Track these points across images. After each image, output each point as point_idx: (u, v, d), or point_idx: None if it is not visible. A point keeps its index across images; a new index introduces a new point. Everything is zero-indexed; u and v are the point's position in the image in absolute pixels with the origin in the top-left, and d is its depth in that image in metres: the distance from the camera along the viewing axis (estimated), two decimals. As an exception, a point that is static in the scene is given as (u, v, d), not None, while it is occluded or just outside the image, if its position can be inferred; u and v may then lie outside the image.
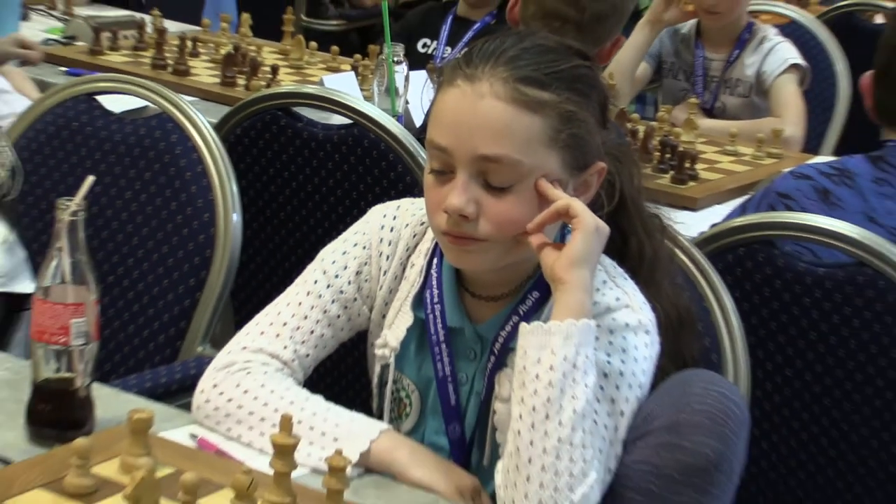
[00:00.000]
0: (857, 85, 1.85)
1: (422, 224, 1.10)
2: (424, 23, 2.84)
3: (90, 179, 0.95)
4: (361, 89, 2.22)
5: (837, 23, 2.85)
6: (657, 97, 2.83)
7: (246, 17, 2.83)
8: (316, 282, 1.11)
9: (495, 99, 0.95)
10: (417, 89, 2.10)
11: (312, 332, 1.11)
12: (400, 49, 2.10)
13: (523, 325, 0.94)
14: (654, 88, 2.83)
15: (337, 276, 1.11)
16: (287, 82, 2.44)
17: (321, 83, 2.20)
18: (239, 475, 0.78)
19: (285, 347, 1.09)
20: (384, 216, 1.13)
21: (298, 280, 1.14)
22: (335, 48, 2.79)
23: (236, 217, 1.54)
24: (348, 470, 0.87)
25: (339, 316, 1.11)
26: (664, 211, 1.16)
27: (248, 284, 1.68)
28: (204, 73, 2.52)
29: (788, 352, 1.42)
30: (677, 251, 1.21)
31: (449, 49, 2.74)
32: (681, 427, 0.93)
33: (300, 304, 1.11)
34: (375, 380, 1.14)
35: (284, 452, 0.83)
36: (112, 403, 1.10)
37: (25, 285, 1.42)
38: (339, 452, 0.82)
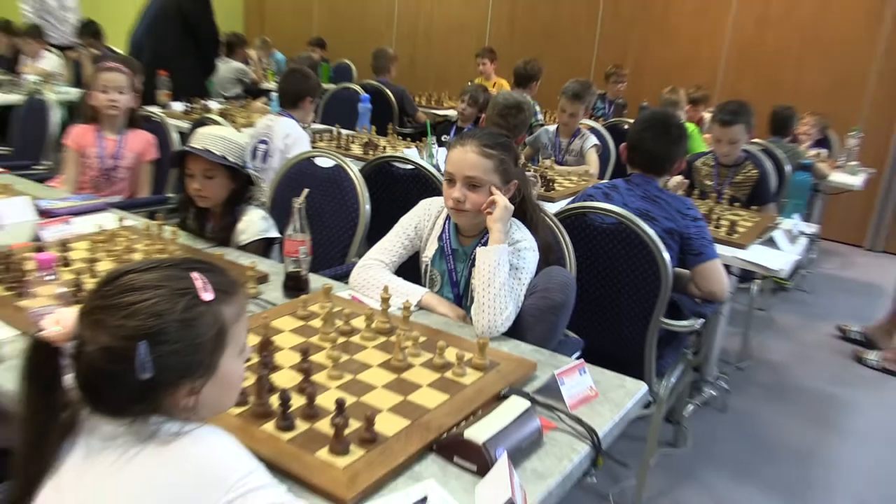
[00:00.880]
0: (618, 151, 3.47)
1: (441, 205, 2.18)
2: (445, 130, 4.81)
3: (306, 190, 2.05)
4: (420, 156, 3.67)
5: (610, 128, 5.19)
6: (538, 158, 4.71)
7: (373, 127, 4.76)
8: (397, 230, 2.19)
9: (472, 153, 1.98)
10: (441, 156, 3.70)
11: (397, 250, 2.17)
12: (433, 139, 3.78)
13: (478, 248, 1.96)
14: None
15: (406, 227, 2.19)
16: (389, 152, 4.06)
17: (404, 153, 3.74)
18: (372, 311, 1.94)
19: (385, 257, 2.17)
20: (429, 202, 2.19)
21: (390, 231, 2.20)
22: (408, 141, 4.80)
23: (368, 206, 2.74)
24: (412, 307, 2.01)
25: (407, 243, 2.20)
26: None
27: (371, 234, 2.84)
28: (359, 151, 4.19)
29: (592, 262, 2.55)
30: (546, 217, 2.29)
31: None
32: (548, 289, 1.95)
33: (391, 239, 2.17)
34: (422, 271, 2.19)
35: (385, 300, 1.92)
36: (317, 281, 2.18)
37: (273, 233, 2.46)
38: (407, 301, 1.96)
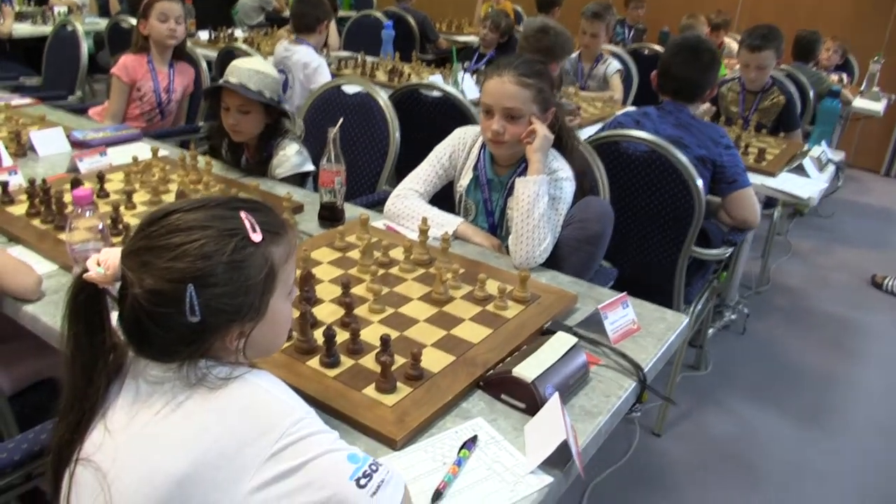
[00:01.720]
0: (647, 77, 3.16)
1: (476, 134, 2.03)
2: (468, 57, 4.56)
3: (341, 119, 1.92)
4: (445, 83, 3.47)
5: (631, 53, 4.82)
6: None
7: (398, 54, 4.53)
8: (431, 160, 2.05)
9: (510, 83, 1.82)
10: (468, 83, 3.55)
11: (431, 179, 2.04)
12: (459, 66, 3.48)
13: (517, 179, 1.83)
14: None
15: (441, 156, 2.06)
16: (415, 79, 3.83)
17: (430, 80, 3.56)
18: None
19: (419, 186, 2.03)
20: (463, 130, 2.05)
21: (424, 161, 2.06)
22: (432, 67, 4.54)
23: (398, 134, 2.61)
24: (449, 237, 1.90)
25: (442, 172, 2.06)
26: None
27: (399, 162, 2.71)
28: (384, 78, 3.98)
29: (624, 190, 2.41)
30: (580, 145, 2.14)
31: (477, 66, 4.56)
32: (585, 219, 1.85)
33: (426, 168, 2.04)
34: (457, 200, 2.08)
35: (424, 231, 1.80)
36: (352, 210, 2.06)
37: (308, 167, 2.32)
38: (446, 233, 1.85)
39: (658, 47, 5.01)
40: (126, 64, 3.07)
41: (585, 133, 3.01)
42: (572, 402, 1.27)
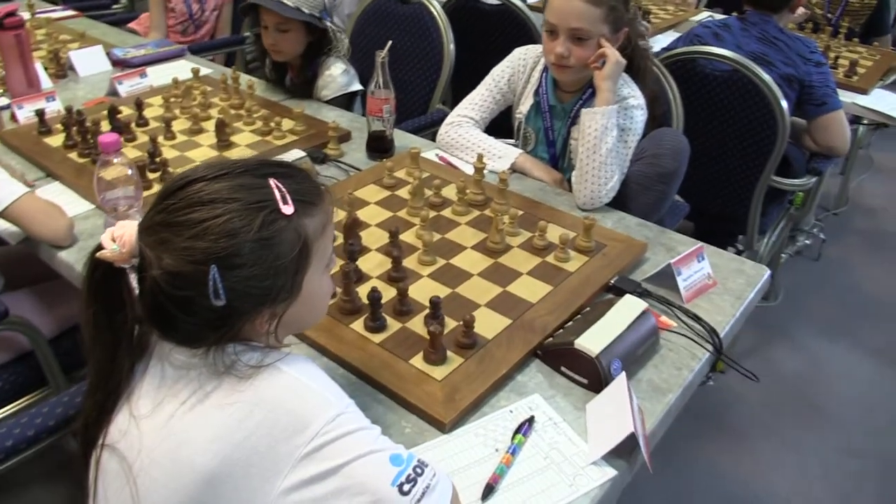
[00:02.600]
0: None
1: (538, 55, 1.81)
2: None
3: (390, 42, 1.73)
4: None
5: None
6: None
7: None
8: (488, 83, 1.86)
9: (578, 0, 1.61)
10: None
11: (488, 105, 1.86)
12: None
13: (583, 110, 1.63)
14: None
15: (498, 79, 1.86)
16: None
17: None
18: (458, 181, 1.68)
19: (475, 113, 1.85)
20: (523, 51, 1.84)
21: (480, 84, 1.87)
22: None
23: (452, 47, 2.39)
24: (508, 176, 1.73)
25: (499, 97, 1.87)
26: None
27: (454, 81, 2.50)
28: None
29: (700, 113, 2.19)
30: (651, 64, 1.89)
31: None
32: (658, 154, 1.65)
33: (482, 93, 1.86)
34: (515, 128, 1.89)
35: (479, 170, 1.59)
36: (402, 139, 1.91)
37: (355, 87, 2.15)
38: (504, 172, 1.66)
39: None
40: None
41: (656, 44, 2.74)
42: (639, 376, 1.15)
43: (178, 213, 0.79)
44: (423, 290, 1.25)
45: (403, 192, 1.60)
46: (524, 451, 0.99)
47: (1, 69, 2.02)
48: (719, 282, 1.40)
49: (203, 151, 1.76)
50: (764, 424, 2.27)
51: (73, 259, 1.37)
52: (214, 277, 0.77)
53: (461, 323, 1.14)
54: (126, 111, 1.90)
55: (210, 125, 1.85)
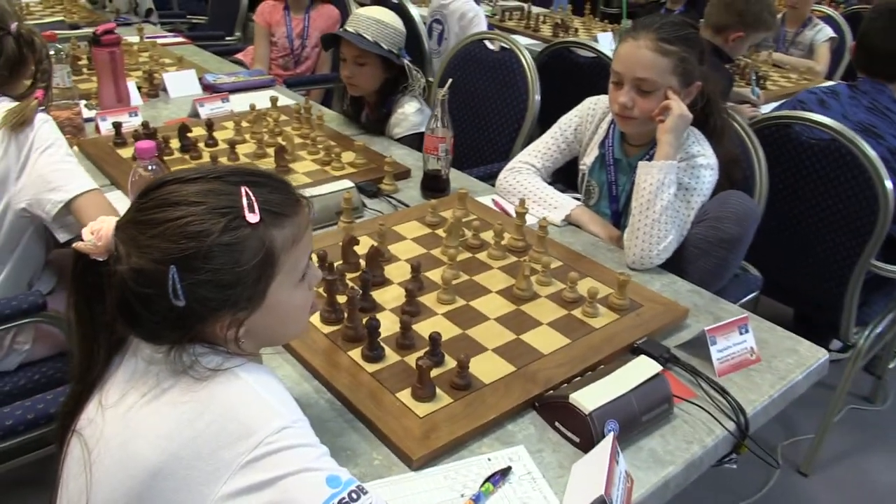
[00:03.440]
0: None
1: (607, 106, 1.81)
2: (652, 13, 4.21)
3: (450, 80, 1.80)
4: (614, 41, 3.34)
5: (850, 17, 4.09)
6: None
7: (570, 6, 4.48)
8: (554, 131, 1.89)
9: (645, 49, 1.61)
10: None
11: (552, 154, 1.89)
12: (628, 23, 3.23)
13: (640, 163, 1.62)
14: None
15: (565, 128, 1.89)
16: (581, 35, 3.92)
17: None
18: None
19: (537, 161, 1.89)
20: (594, 101, 1.87)
21: (546, 132, 1.90)
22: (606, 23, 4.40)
23: (538, 97, 2.48)
24: (558, 223, 1.74)
25: (564, 146, 1.90)
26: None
27: (544, 128, 2.56)
28: (548, 33, 3.88)
29: (790, 183, 2.11)
30: (736, 125, 1.88)
31: None
32: (720, 217, 1.61)
33: (546, 141, 1.89)
34: (579, 180, 1.91)
35: (521, 214, 1.58)
36: (464, 182, 1.97)
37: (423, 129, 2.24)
38: (545, 219, 1.69)
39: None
40: (263, 9, 3.18)
41: (766, 109, 2.68)
42: (641, 444, 1.11)
43: (147, 212, 0.86)
44: (432, 327, 1.27)
45: (443, 231, 1.64)
46: (490, 501, 0.98)
47: (95, 83, 2.25)
48: (764, 359, 1.34)
49: (261, 175, 1.87)
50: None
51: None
52: (174, 278, 0.83)
53: (456, 363, 1.15)
54: (199, 131, 2.05)
55: (274, 151, 1.97)
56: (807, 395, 2.52)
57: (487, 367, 1.20)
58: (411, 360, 1.21)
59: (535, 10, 4.24)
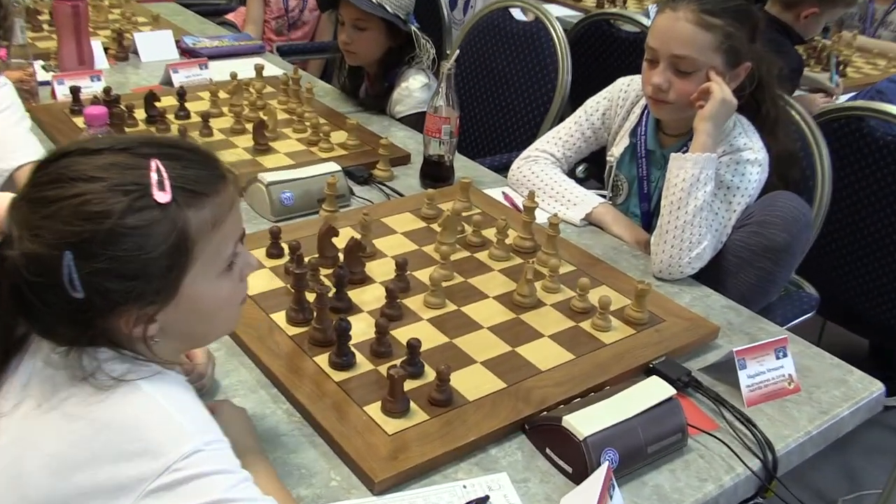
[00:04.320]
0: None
1: (641, 89, 1.83)
2: None
3: (457, 52, 1.84)
4: None
5: None
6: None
7: None
8: (579, 116, 1.91)
9: (685, 21, 1.61)
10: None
11: (574, 142, 1.91)
12: None
13: (672, 154, 1.62)
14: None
15: (591, 112, 1.90)
16: (630, 7, 4.01)
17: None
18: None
19: (557, 150, 1.91)
20: (627, 81, 1.88)
21: (570, 116, 1.92)
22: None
23: (569, 77, 2.51)
24: (577, 220, 1.76)
25: (590, 134, 1.91)
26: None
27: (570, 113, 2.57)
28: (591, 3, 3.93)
29: (856, 185, 2.13)
30: (796, 116, 1.88)
31: None
32: (765, 222, 1.60)
33: (569, 127, 1.91)
34: (606, 174, 1.92)
35: (530, 210, 1.59)
36: (471, 171, 1.99)
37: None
38: (555, 216, 1.71)
39: None
40: None
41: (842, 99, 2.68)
42: (646, 479, 1.12)
43: (42, 188, 0.85)
44: (413, 334, 1.28)
45: (439, 226, 1.66)
46: (461, 534, 1.00)
47: (56, 42, 2.30)
48: (805, 389, 1.34)
49: (236, 153, 1.91)
50: None
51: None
52: (69, 265, 0.82)
53: (435, 375, 1.17)
54: (170, 101, 2.09)
55: (252, 127, 2.00)
56: (877, 441, 2.51)
57: (473, 382, 1.22)
58: (386, 369, 1.22)
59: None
